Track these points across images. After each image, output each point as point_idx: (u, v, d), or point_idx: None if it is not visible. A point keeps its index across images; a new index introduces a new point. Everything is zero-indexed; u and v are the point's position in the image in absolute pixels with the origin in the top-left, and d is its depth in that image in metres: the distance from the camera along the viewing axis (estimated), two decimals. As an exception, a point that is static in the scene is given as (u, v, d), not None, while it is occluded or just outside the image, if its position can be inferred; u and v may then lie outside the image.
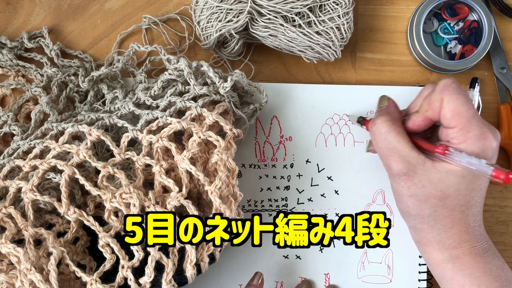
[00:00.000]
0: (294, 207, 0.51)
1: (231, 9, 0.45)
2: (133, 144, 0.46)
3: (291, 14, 0.45)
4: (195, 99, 0.44)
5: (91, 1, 0.52)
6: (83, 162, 0.43)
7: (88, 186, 0.41)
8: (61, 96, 0.48)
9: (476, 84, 0.51)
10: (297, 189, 0.51)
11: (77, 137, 0.45)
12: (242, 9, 0.45)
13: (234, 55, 0.50)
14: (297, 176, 0.51)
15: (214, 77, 0.43)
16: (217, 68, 0.52)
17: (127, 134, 0.43)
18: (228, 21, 0.45)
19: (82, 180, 0.41)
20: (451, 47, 0.51)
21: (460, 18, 0.51)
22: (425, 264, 0.51)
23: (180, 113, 0.45)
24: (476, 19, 0.51)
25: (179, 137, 0.46)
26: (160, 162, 0.42)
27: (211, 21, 0.46)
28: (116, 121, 0.44)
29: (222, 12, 0.45)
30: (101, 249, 0.40)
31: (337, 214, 0.51)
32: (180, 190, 0.41)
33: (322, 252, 0.50)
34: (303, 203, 0.51)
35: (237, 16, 0.45)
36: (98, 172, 0.42)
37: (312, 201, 0.51)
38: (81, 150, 0.41)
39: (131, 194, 0.40)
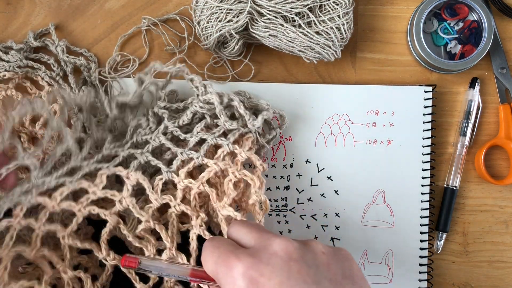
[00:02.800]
0: (294, 207, 0.51)
1: (231, 9, 0.45)
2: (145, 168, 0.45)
3: (291, 14, 0.45)
4: (224, 132, 0.44)
5: (91, 1, 0.52)
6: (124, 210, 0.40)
7: (131, 237, 0.39)
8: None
9: (476, 84, 0.51)
10: (296, 189, 0.51)
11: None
12: (242, 9, 0.45)
13: (234, 55, 0.50)
14: (296, 176, 0.51)
15: (245, 114, 0.43)
16: (218, 68, 0.52)
17: (160, 176, 0.41)
18: (228, 21, 0.45)
19: (124, 230, 0.39)
20: (451, 47, 0.52)
21: (460, 18, 0.51)
22: (425, 264, 0.51)
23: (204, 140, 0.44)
24: (476, 19, 0.51)
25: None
26: (200, 214, 0.41)
27: (211, 21, 0.46)
28: (150, 159, 0.42)
29: (222, 12, 0.45)
30: None
31: (337, 214, 0.51)
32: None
33: (322, 252, 0.50)
34: (303, 203, 0.51)
35: (237, 16, 0.45)
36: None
37: (312, 201, 0.51)
38: (125, 198, 0.39)
39: (176, 257, 0.39)
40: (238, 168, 0.42)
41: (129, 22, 0.52)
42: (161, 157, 0.44)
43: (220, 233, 0.43)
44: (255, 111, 0.46)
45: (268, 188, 0.50)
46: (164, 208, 0.42)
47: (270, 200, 0.51)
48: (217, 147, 0.44)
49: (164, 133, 0.43)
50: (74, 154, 0.40)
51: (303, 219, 0.51)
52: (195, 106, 0.43)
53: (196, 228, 0.40)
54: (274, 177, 0.51)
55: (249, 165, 0.49)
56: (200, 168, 0.44)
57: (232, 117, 0.45)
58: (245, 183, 0.44)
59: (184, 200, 0.42)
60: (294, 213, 0.51)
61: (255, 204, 0.42)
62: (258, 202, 0.42)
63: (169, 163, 0.43)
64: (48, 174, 0.39)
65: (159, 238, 0.41)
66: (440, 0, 0.49)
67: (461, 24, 0.51)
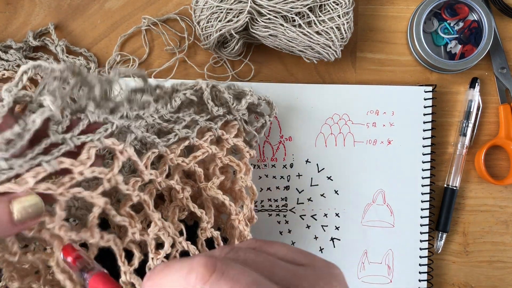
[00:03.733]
0: (294, 207, 0.51)
1: (231, 9, 0.45)
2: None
3: (291, 14, 0.45)
4: (210, 119, 0.43)
5: (91, 1, 0.52)
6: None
7: (118, 219, 0.35)
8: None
9: (476, 84, 0.51)
10: (297, 189, 0.51)
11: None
12: (242, 9, 0.45)
13: (234, 55, 0.50)
14: (296, 176, 0.50)
15: (229, 99, 0.43)
16: (218, 68, 0.52)
17: (154, 150, 0.37)
18: (228, 21, 0.45)
19: (110, 210, 0.34)
20: (451, 47, 0.51)
21: (460, 18, 0.51)
22: (425, 264, 0.50)
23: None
24: (476, 19, 0.51)
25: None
26: (186, 188, 0.40)
27: (211, 21, 0.46)
28: (146, 134, 0.37)
29: (222, 12, 0.45)
30: (121, 284, 0.36)
31: (337, 214, 0.51)
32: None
33: (322, 252, 0.50)
34: (303, 203, 0.50)
35: (237, 16, 0.45)
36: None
37: (312, 201, 0.51)
38: (115, 175, 0.33)
39: (166, 231, 0.37)
40: (224, 154, 0.41)
41: (129, 22, 0.52)
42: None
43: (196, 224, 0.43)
44: (240, 99, 0.46)
45: (268, 188, 0.50)
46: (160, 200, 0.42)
47: (270, 200, 0.51)
48: (203, 133, 0.43)
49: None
50: (54, 124, 0.31)
51: (303, 219, 0.51)
52: (184, 93, 0.41)
53: (184, 202, 0.40)
54: (274, 177, 0.50)
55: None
56: (187, 150, 0.43)
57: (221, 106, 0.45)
58: (232, 171, 0.44)
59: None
60: (294, 213, 0.51)
61: (241, 190, 0.42)
62: (243, 187, 0.42)
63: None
64: (18, 156, 0.30)
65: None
66: (440, 0, 0.49)
67: (461, 24, 0.51)
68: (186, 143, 0.40)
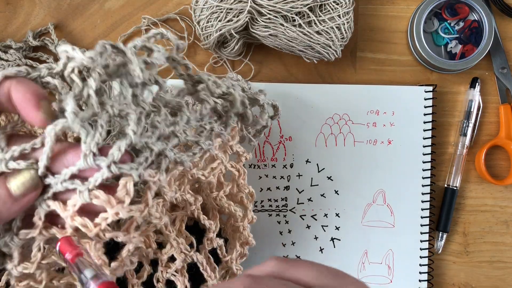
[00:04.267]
0: (294, 207, 0.50)
1: (231, 9, 0.45)
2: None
3: (291, 13, 0.45)
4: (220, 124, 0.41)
5: (91, 1, 0.52)
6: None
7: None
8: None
9: (477, 84, 0.51)
10: (297, 189, 0.50)
11: None
12: (242, 9, 0.45)
13: (234, 55, 0.50)
14: (297, 176, 0.50)
15: (251, 117, 0.41)
16: (218, 68, 0.52)
17: (181, 168, 0.35)
18: (228, 21, 0.45)
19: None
20: (451, 47, 0.51)
21: (460, 18, 0.51)
22: (425, 265, 0.50)
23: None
24: (476, 19, 0.51)
25: None
26: (198, 198, 0.38)
27: (211, 21, 0.46)
28: (177, 156, 0.33)
29: (222, 12, 0.45)
30: None
31: (337, 214, 0.51)
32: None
33: (322, 252, 0.50)
34: (303, 203, 0.50)
35: (237, 16, 0.45)
36: None
37: (312, 201, 0.50)
38: (152, 213, 0.30)
39: (179, 247, 0.37)
40: (227, 160, 0.41)
41: (129, 21, 0.52)
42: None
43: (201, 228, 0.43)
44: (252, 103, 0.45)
45: (268, 188, 0.50)
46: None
47: (270, 200, 0.50)
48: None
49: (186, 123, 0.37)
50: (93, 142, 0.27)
51: (303, 219, 0.51)
52: (214, 102, 0.37)
53: (195, 214, 0.39)
54: (274, 177, 0.50)
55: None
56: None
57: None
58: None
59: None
60: (294, 213, 0.51)
61: (242, 196, 0.42)
62: (244, 193, 0.42)
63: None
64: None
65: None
66: (441, 0, 0.49)
67: (461, 24, 0.51)
68: (207, 155, 0.37)
